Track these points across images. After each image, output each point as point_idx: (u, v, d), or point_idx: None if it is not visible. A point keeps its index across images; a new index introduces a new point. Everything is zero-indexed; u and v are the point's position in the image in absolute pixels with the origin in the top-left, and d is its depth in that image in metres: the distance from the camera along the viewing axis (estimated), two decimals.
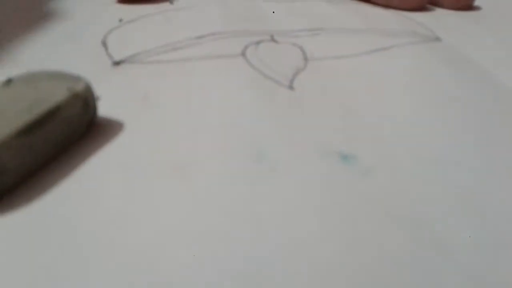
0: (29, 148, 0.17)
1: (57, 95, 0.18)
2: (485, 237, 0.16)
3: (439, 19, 0.38)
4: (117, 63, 0.28)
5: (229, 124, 0.22)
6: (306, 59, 0.29)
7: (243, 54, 0.30)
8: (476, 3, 0.42)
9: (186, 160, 0.19)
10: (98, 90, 0.24)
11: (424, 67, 0.29)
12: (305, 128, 0.22)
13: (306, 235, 0.16)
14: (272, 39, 0.32)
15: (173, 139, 0.21)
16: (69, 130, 0.19)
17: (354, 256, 0.15)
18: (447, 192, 0.18)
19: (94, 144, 0.20)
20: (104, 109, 0.22)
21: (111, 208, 0.17)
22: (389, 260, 0.15)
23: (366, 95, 0.25)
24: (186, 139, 0.21)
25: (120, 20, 0.35)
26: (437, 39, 0.33)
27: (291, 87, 0.26)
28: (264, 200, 0.17)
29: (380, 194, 0.18)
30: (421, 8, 0.40)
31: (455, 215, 0.17)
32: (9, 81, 0.19)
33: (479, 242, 0.16)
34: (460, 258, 0.15)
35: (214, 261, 0.15)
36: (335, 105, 0.24)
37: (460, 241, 0.16)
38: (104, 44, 0.31)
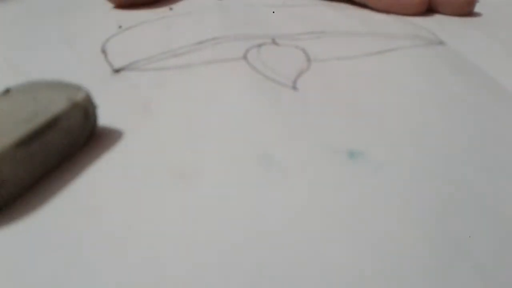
0: (28, 159, 0.17)
1: (56, 105, 0.18)
2: (497, 235, 0.16)
3: (442, 24, 0.38)
4: (117, 71, 0.28)
5: (233, 128, 0.22)
6: (309, 60, 0.29)
7: (244, 57, 0.29)
8: (476, 10, 0.42)
9: (191, 168, 0.19)
10: (98, 98, 0.24)
11: (428, 69, 0.29)
12: (311, 128, 0.22)
13: (320, 237, 0.16)
14: (274, 42, 0.32)
15: (177, 147, 0.20)
16: (69, 141, 0.19)
17: (370, 255, 0.15)
18: (458, 189, 0.18)
19: (95, 154, 0.20)
20: (104, 118, 0.22)
21: (113, 219, 0.16)
22: (404, 259, 0.15)
23: (370, 95, 0.25)
24: (190, 146, 0.20)
25: (120, 27, 0.35)
26: (441, 42, 0.33)
27: (294, 87, 0.25)
28: (275, 205, 0.17)
29: (391, 191, 0.18)
30: (420, 14, 0.40)
31: (467, 211, 0.17)
32: (7, 91, 0.19)
33: (491, 241, 0.16)
34: (475, 256, 0.15)
35: (224, 270, 0.14)
36: (340, 103, 0.24)
37: (474, 240, 0.16)
38: (104, 51, 0.31)
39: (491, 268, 0.15)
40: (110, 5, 0.41)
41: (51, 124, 0.18)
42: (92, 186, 0.18)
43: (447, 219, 0.17)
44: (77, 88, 0.19)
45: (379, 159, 0.20)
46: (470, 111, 0.24)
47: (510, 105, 0.25)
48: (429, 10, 0.41)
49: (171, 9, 0.40)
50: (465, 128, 0.22)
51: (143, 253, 0.15)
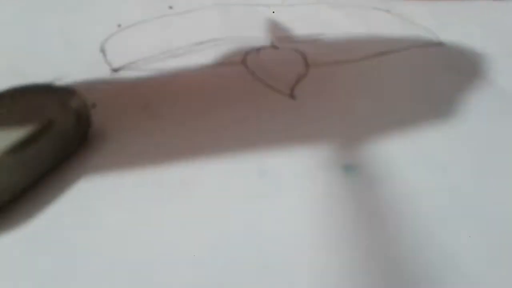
0: (22, 165, 0.17)
1: (49, 109, 0.18)
2: (486, 241, 0.16)
3: (442, 24, 0.37)
4: (115, 70, 0.28)
5: (230, 136, 0.22)
6: (307, 65, 0.29)
7: (243, 61, 0.29)
8: (477, 10, 0.42)
9: (186, 175, 0.19)
10: (95, 98, 0.24)
11: (427, 72, 0.28)
12: (307, 139, 0.22)
13: (311, 250, 0.16)
14: (273, 45, 0.32)
15: (172, 152, 0.20)
16: (63, 145, 0.19)
17: (361, 267, 0.15)
18: (453, 200, 0.18)
19: (90, 158, 0.20)
20: (101, 119, 0.22)
21: (108, 225, 0.16)
22: (395, 271, 0.15)
23: (369, 102, 0.25)
24: (186, 151, 0.20)
25: (119, 26, 0.35)
26: (440, 43, 0.33)
27: (292, 95, 0.25)
28: (270, 216, 0.17)
29: (385, 205, 0.18)
30: None
31: (462, 222, 0.17)
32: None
33: (480, 246, 0.16)
34: (463, 269, 0.15)
35: (220, 277, 0.14)
36: (337, 113, 0.24)
37: (464, 247, 0.16)
38: (103, 50, 0.31)
39: (479, 281, 0.15)
40: (110, 3, 0.41)
41: (44, 129, 0.17)
42: (87, 192, 0.18)
43: (440, 231, 0.17)
44: (71, 92, 0.19)
45: (373, 173, 0.19)
46: (471, 115, 0.24)
47: (510, 107, 0.24)
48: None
49: (171, 8, 0.40)
50: (465, 133, 0.22)
51: (139, 259, 0.15)
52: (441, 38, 0.34)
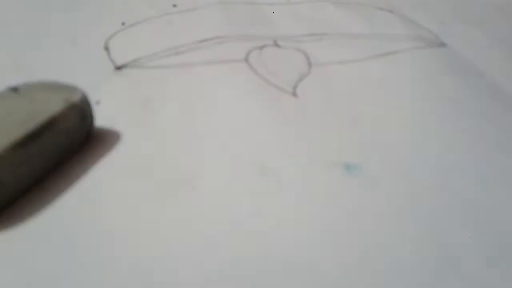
0: (25, 161, 0.17)
1: (53, 106, 0.18)
2: (490, 244, 0.16)
3: (444, 23, 0.37)
4: (119, 68, 0.28)
5: (232, 134, 0.22)
6: (310, 64, 0.29)
7: (246, 59, 0.29)
8: (480, 11, 0.42)
9: (188, 173, 0.19)
10: (99, 95, 0.24)
11: (429, 73, 0.29)
12: (309, 137, 0.22)
13: (312, 247, 0.16)
14: (276, 44, 0.32)
15: (175, 149, 0.20)
16: (67, 142, 0.19)
17: (362, 267, 0.15)
18: (454, 200, 0.18)
19: (93, 155, 0.20)
20: (104, 117, 0.22)
21: (111, 222, 0.17)
22: (395, 270, 0.15)
23: (371, 102, 0.25)
24: (188, 149, 0.20)
25: (123, 24, 0.35)
26: (442, 44, 0.33)
27: (294, 93, 0.26)
28: (269, 215, 0.17)
29: (386, 205, 0.18)
30: None
31: (462, 223, 0.17)
32: (15, 89, 0.19)
33: (484, 249, 0.16)
34: (464, 268, 0.15)
35: (220, 273, 0.15)
36: (339, 112, 0.24)
37: (467, 249, 0.16)
38: (107, 48, 0.31)
39: (479, 280, 0.15)
40: (114, 1, 0.41)
41: (48, 126, 0.18)
42: (90, 188, 0.18)
43: (440, 232, 0.17)
44: (74, 89, 0.20)
45: (375, 172, 0.20)
46: (471, 117, 0.24)
47: (511, 109, 0.24)
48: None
49: (174, 6, 0.40)
50: (466, 135, 0.22)
51: (140, 256, 0.15)
52: (443, 39, 0.34)
